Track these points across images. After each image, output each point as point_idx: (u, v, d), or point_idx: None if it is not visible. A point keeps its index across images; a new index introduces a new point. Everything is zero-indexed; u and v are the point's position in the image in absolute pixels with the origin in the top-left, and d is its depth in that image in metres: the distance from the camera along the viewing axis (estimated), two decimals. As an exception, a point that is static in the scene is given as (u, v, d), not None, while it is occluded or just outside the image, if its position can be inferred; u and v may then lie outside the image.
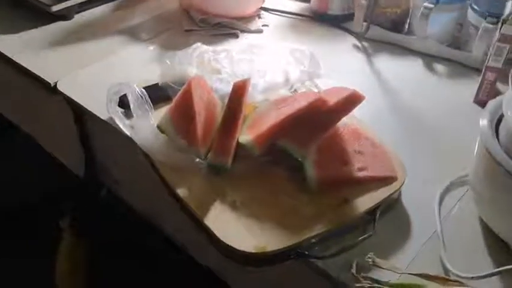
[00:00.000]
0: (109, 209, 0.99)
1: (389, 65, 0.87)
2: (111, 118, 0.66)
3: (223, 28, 0.94)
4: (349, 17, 0.97)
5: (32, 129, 1.01)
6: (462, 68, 0.86)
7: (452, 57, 0.87)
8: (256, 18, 0.98)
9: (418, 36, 0.88)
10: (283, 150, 0.59)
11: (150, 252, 1.23)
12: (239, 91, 0.61)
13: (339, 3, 0.96)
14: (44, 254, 1.07)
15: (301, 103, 0.60)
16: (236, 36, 0.94)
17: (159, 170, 0.60)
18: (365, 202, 0.57)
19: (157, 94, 0.67)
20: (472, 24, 0.84)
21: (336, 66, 0.86)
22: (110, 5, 1.03)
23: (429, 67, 0.87)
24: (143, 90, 0.62)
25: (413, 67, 0.87)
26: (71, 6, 0.95)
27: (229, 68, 0.66)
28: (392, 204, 0.60)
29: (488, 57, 0.74)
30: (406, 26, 0.93)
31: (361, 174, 0.59)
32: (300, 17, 1.00)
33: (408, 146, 0.70)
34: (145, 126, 0.60)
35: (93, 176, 0.90)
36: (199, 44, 0.71)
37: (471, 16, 0.84)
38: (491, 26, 0.79)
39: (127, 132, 0.62)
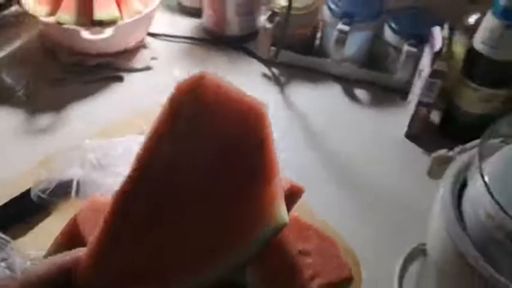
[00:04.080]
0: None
1: (307, 96, 0.76)
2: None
3: (103, 70, 0.76)
4: (253, 36, 0.84)
5: None
6: (383, 91, 0.77)
7: (372, 79, 0.78)
8: (142, 50, 0.81)
9: (334, 60, 0.77)
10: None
11: None
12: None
13: (236, 22, 0.82)
14: None
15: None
16: (121, 79, 0.76)
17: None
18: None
19: (29, 208, 0.50)
20: (390, 44, 0.75)
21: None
22: None
23: (349, 93, 0.77)
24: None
25: (333, 96, 0.76)
26: None
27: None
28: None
29: (420, 92, 0.65)
30: (317, 44, 0.83)
31: (314, 284, 0.48)
32: (194, 41, 0.85)
33: (344, 210, 0.61)
34: None
35: None
36: (81, 142, 0.53)
37: (389, 35, 0.75)
38: (414, 49, 0.71)
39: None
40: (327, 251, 0.51)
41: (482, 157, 0.45)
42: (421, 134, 0.69)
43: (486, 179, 0.43)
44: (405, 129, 0.69)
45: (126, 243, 0.28)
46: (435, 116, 0.71)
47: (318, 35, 0.82)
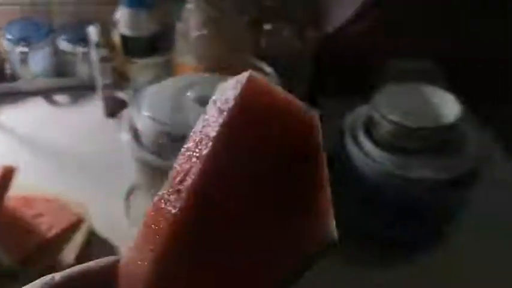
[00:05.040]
0: None
1: (15, 116, 0.87)
2: None
3: None
4: None
5: None
6: (77, 91, 0.93)
7: (66, 84, 0.93)
8: None
9: (26, 79, 0.90)
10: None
11: None
12: None
13: None
14: None
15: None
16: None
17: None
18: (69, 256, 0.60)
19: None
20: (68, 52, 0.91)
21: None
22: None
23: (51, 102, 0.91)
24: None
25: (41, 107, 0.89)
26: None
27: None
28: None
29: (100, 78, 0.83)
30: (9, 72, 0.93)
31: (50, 233, 0.61)
32: None
33: (78, 183, 0.75)
34: None
35: None
36: None
37: (64, 46, 0.91)
38: (85, 50, 0.88)
39: None
40: (55, 209, 0.64)
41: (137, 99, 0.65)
42: (116, 110, 0.87)
43: (145, 108, 0.62)
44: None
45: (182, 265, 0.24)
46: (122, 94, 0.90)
47: (7, 65, 0.93)
